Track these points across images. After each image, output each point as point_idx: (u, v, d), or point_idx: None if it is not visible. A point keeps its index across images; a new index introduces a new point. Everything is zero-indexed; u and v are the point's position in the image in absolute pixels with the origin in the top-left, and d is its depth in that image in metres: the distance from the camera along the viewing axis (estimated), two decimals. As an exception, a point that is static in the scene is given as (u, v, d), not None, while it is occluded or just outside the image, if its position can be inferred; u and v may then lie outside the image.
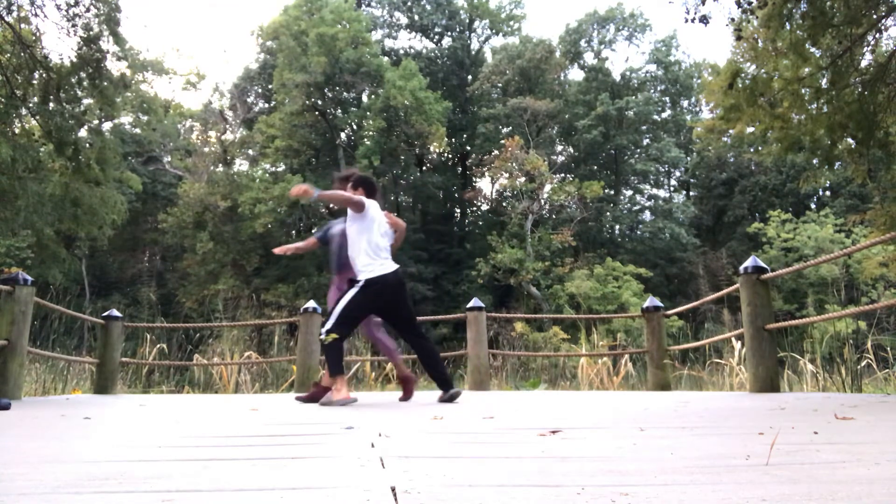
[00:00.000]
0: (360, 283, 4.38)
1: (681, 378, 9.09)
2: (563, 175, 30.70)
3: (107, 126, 23.12)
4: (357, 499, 1.20)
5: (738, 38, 7.04)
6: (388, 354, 5.26)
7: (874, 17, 6.69)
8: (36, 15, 9.04)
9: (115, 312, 7.72)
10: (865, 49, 7.11)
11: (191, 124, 33.19)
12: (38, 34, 9.19)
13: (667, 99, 32.92)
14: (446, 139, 29.17)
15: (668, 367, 7.44)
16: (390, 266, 4.49)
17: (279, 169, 29.40)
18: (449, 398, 4.51)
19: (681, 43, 36.09)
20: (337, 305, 4.38)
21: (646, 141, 31.49)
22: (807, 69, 7.08)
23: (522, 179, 25.81)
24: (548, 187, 26.88)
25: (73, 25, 9.05)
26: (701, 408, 3.72)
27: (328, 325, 4.32)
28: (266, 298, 24.21)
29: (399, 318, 4.62)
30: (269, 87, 29.84)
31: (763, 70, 7.50)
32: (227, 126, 31.22)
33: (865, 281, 18.12)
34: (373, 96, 28.37)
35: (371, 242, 4.45)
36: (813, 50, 7.08)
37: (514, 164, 25.28)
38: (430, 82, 28.65)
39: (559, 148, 32.82)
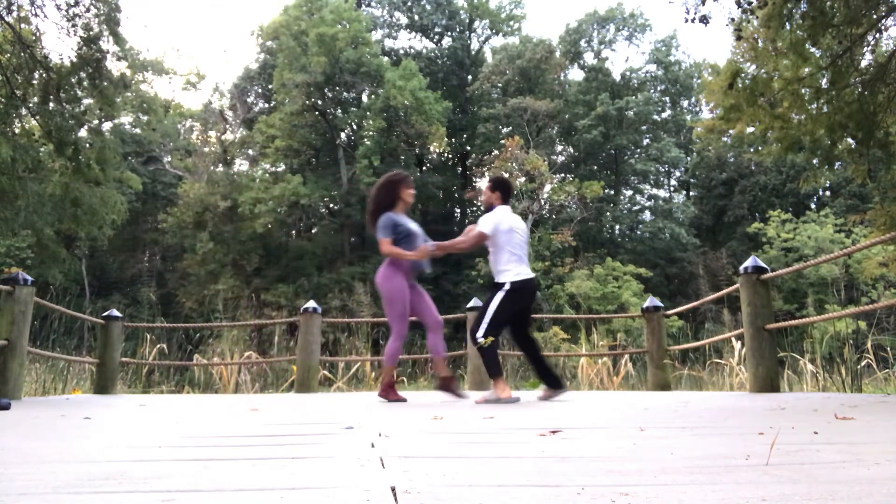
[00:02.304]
0: (507, 288, 4.53)
1: (681, 378, 9.09)
2: (563, 175, 30.70)
3: (107, 126, 23.12)
4: (357, 499, 1.20)
5: (738, 38, 7.03)
6: (436, 355, 5.08)
7: (874, 17, 6.68)
8: (36, 15, 9.04)
9: (115, 312, 7.72)
10: (865, 49, 7.10)
11: (191, 124, 33.20)
12: (38, 34, 9.18)
13: (667, 99, 32.92)
14: (446, 139, 29.16)
15: (668, 367, 7.44)
16: (531, 272, 4.67)
17: (279, 169, 29.40)
18: (551, 395, 4.64)
19: (681, 43, 36.16)
20: (487, 311, 4.51)
21: (646, 141, 31.50)
22: (807, 69, 7.07)
23: (522, 179, 25.79)
24: (548, 187, 26.86)
25: (73, 25, 9.04)
26: (701, 408, 3.72)
27: (482, 330, 4.46)
28: (266, 298, 24.22)
29: (525, 320, 4.76)
30: (269, 87, 29.83)
31: (763, 70, 7.49)
32: (227, 126, 31.22)
33: (865, 281, 18.12)
34: (373, 96, 28.35)
35: (514, 248, 4.60)
36: (813, 50, 7.08)
37: (514, 164, 25.25)
38: (430, 82, 28.63)
39: (559, 148, 32.82)
